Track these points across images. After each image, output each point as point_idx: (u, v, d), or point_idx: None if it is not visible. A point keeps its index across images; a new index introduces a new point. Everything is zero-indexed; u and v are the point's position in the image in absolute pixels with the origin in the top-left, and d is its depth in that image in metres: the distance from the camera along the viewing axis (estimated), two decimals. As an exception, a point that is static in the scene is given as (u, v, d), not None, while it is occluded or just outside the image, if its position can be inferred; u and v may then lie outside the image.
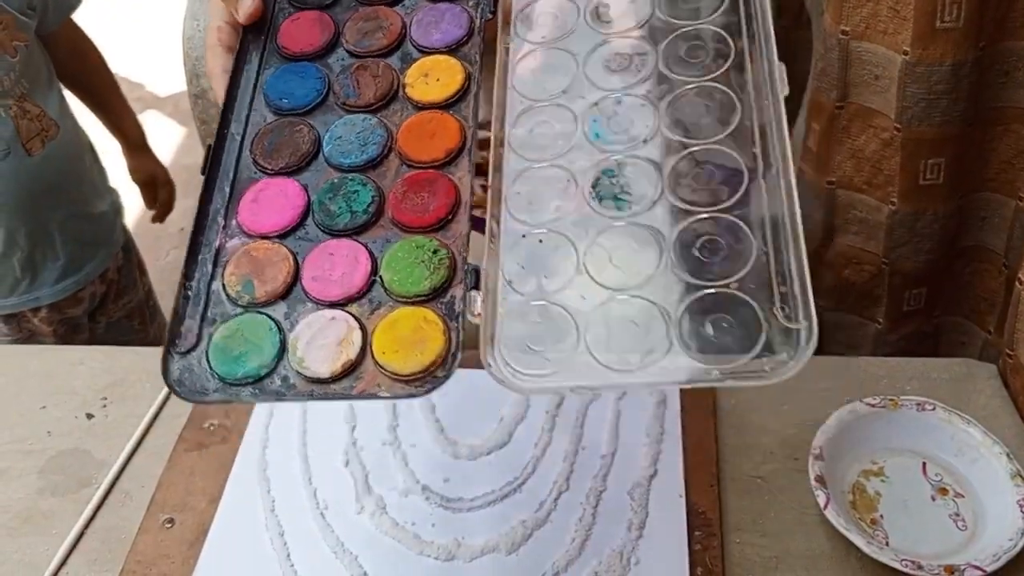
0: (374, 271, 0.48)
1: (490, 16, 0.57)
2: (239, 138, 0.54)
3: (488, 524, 0.68)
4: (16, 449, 0.74)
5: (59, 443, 0.74)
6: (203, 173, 0.53)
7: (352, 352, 0.46)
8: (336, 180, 0.51)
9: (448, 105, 0.55)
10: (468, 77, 0.55)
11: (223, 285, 0.49)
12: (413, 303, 0.47)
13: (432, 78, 0.55)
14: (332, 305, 0.48)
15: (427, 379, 0.46)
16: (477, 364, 0.80)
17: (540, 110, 0.55)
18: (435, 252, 0.48)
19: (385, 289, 0.47)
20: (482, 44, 0.56)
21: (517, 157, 0.54)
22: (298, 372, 0.46)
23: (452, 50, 0.56)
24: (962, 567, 0.62)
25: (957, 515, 0.68)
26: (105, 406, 0.77)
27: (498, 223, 0.52)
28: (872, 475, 0.71)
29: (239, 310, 0.48)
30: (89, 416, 0.76)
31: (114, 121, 1.25)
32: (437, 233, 0.50)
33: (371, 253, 0.48)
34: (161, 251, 1.88)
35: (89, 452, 0.74)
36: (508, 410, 0.76)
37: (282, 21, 0.58)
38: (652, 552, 0.65)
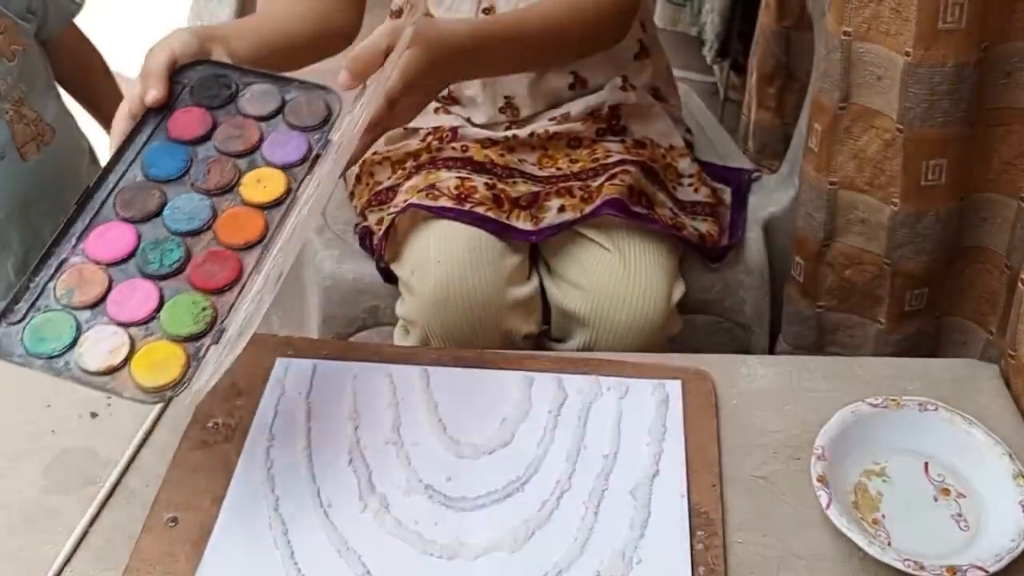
0: (158, 309, 0.64)
1: (321, 152, 0.72)
2: (111, 186, 0.70)
3: (490, 523, 0.68)
4: (21, 447, 0.74)
5: (64, 441, 0.75)
6: (75, 204, 0.68)
7: (116, 360, 0.62)
8: (161, 238, 0.67)
9: (264, 207, 0.69)
10: (288, 191, 0.70)
11: (54, 287, 0.65)
12: (173, 340, 0.63)
13: (262, 184, 0.70)
14: (120, 324, 0.64)
15: (158, 394, 0.61)
16: (478, 364, 0.80)
17: None
18: (203, 309, 0.64)
19: (160, 324, 0.63)
20: (309, 170, 0.71)
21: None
22: (76, 362, 0.62)
23: (285, 168, 0.71)
24: (964, 568, 0.62)
25: (959, 515, 0.68)
26: (110, 404, 0.77)
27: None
28: (874, 475, 0.71)
29: (58, 307, 0.65)
30: (93, 415, 0.77)
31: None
32: (213, 296, 0.65)
33: (162, 297, 0.64)
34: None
35: (94, 450, 0.74)
36: (511, 410, 0.76)
37: (177, 109, 0.73)
38: (654, 551, 0.65)
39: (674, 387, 0.78)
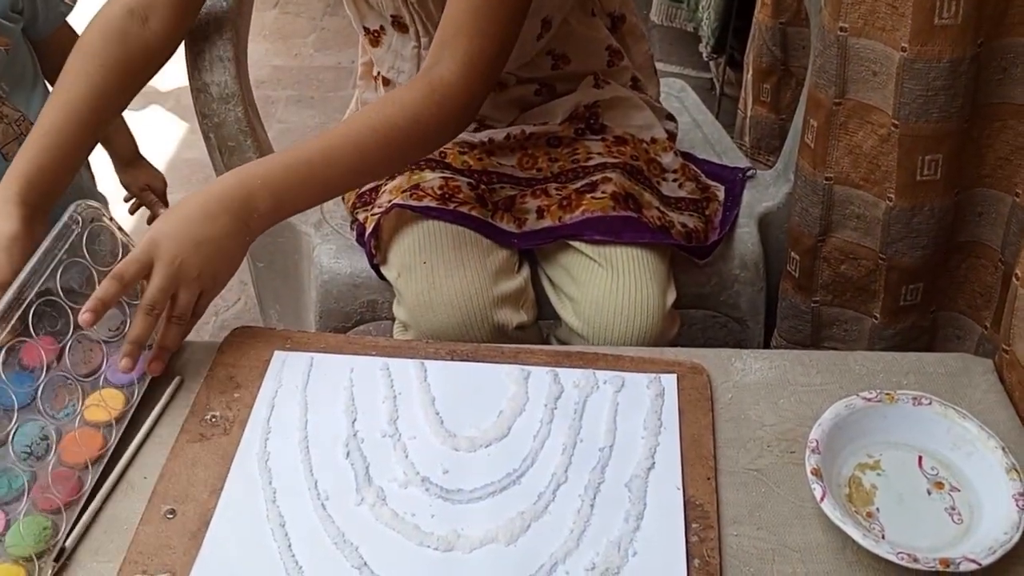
0: (3, 533, 0.66)
1: None
2: None
3: (487, 515, 0.68)
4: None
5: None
6: None
7: None
8: (9, 464, 0.68)
9: (103, 425, 0.74)
10: (126, 408, 0.75)
11: None
12: (16, 562, 0.65)
13: (103, 405, 0.74)
14: None
15: None
16: (474, 358, 0.80)
17: None
18: (44, 529, 0.66)
19: (4, 548, 0.65)
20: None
21: None
22: None
23: (124, 387, 0.76)
24: (957, 560, 0.62)
25: (953, 509, 0.68)
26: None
27: None
28: (868, 468, 0.71)
29: None
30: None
31: (103, 132, 1.23)
32: (54, 515, 0.67)
33: (7, 521, 0.66)
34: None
35: (92, 443, 0.74)
36: (507, 403, 0.77)
37: (28, 340, 0.73)
38: (650, 543, 0.66)
39: (670, 381, 0.78)
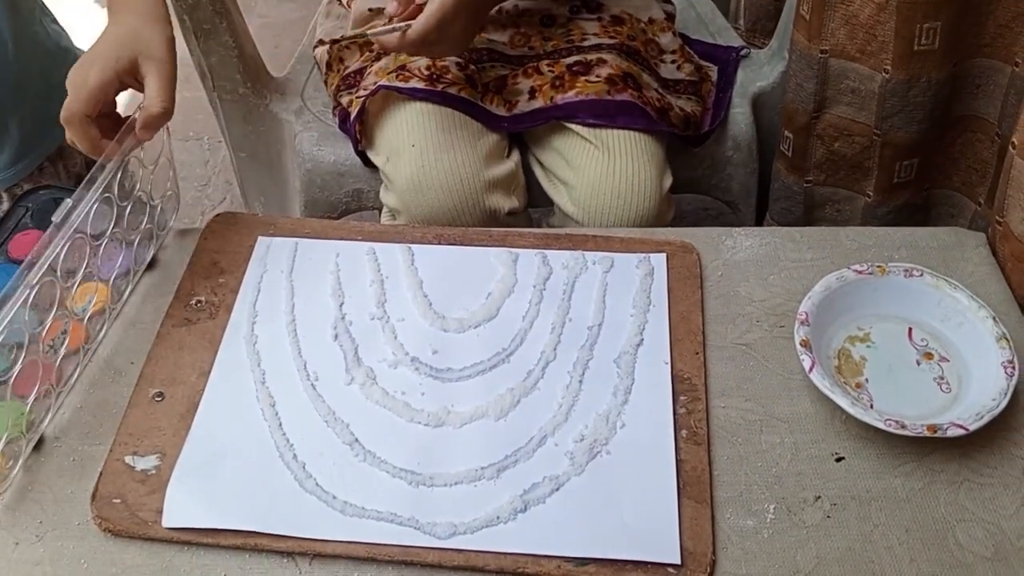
0: None
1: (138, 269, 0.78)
2: None
3: (477, 392, 0.68)
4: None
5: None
6: None
7: None
8: None
9: (86, 318, 0.72)
10: (111, 301, 0.75)
11: None
12: None
13: (87, 297, 0.72)
14: None
15: None
16: (462, 242, 0.79)
17: None
18: (21, 415, 0.66)
19: None
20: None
21: None
22: None
23: (111, 281, 0.74)
24: (945, 426, 0.63)
25: (942, 378, 0.69)
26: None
27: None
28: (858, 341, 0.71)
29: None
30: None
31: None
32: (33, 402, 0.66)
33: None
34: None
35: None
36: (496, 285, 0.76)
37: (17, 232, 0.77)
38: (637, 416, 0.66)
39: (659, 260, 0.77)
